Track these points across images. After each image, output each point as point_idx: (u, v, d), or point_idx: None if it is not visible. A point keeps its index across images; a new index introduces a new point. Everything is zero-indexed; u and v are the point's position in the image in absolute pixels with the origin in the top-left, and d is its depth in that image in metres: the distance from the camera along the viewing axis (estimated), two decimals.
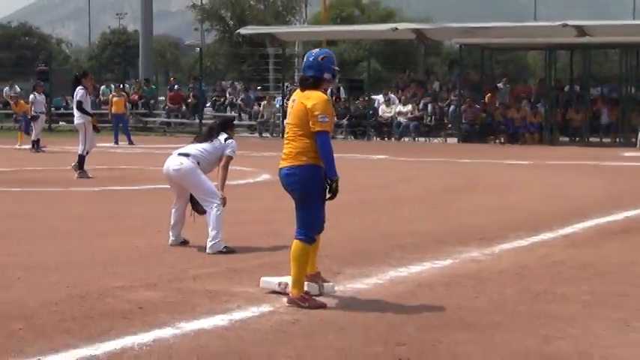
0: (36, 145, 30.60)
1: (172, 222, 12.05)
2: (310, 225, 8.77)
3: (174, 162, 11.76)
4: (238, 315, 8.37)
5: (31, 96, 32.58)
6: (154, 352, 7.19)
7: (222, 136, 12.07)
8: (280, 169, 8.86)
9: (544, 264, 11.04)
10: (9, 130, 42.90)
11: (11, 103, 40.32)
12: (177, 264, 10.78)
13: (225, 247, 11.45)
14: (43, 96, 33.45)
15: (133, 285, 9.55)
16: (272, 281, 9.30)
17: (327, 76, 8.87)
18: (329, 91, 9.08)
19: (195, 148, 11.94)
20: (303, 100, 8.72)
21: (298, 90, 8.98)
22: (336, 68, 9.09)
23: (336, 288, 9.30)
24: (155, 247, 11.87)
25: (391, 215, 15.27)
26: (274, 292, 9.11)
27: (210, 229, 11.49)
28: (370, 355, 7.17)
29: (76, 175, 20.94)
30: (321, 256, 9.37)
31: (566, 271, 10.57)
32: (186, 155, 11.76)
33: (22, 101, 35.68)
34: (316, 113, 8.59)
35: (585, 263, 11.06)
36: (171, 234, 12.05)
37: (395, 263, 10.85)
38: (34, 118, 31.46)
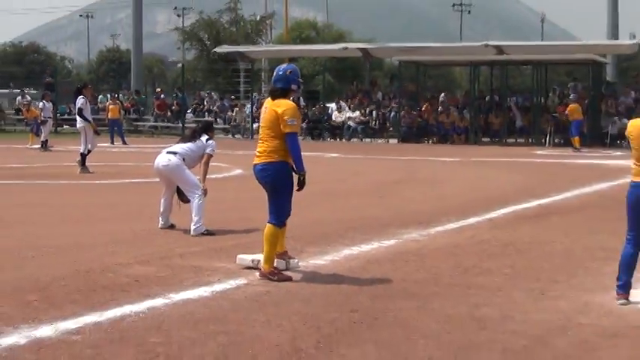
0: (44, 145, 30.41)
1: (161, 209, 12.01)
2: (280, 211, 8.77)
3: (164, 159, 11.73)
4: (219, 287, 8.38)
5: (41, 103, 32.49)
6: (149, 318, 7.18)
7: (204, 137, 12.06)
8: (255, 165, 8.84)
9: (472, 243, 11.09)
10: (21, 132, 42.50)
11: (23, 109, 40.25)
12: (166, 244, 10.75)
13: (206, 230, 11.43)
14: (51, 104, 33.32)
15: (130, 262, 9.52)
16: (246, 258, 9.30)
17: (293, 87, 8.89)
18: (290, 99, 9.05)
19: (181, 147, 11.92)
20: (274, 107, 8.72)
21: (269, 98, 8.97)
22: (300, 80, 9.11)
23: (300, 264, 9.31)
24: (147, 230, 11.82)
25: (344, 204, 15.29)
26: (248, 267, 9.13)
27: (193, 215, 11.47)
28: (329, 320, 7.17)
29: (79, 170, 20.81)
30: (288, 237, 9.33)
31: (490, 249, 10.62)
32: (174, 153, 11.74)
33: (32, 108, 35.52)
34: (286, 118, 8.59)
35: (506, 242, 11.12)
36: (160, 219, 12.01)
37: (348, 243, 10.88)
38: (43, 123, 31.36)
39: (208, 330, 6.81)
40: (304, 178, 8.72)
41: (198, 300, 7.83)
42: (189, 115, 45.10)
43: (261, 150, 8.80)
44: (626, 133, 7.86)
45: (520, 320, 7.20)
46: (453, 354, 6.26)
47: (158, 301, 7.70)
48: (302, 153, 8.78)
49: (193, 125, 40.41)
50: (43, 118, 31.58)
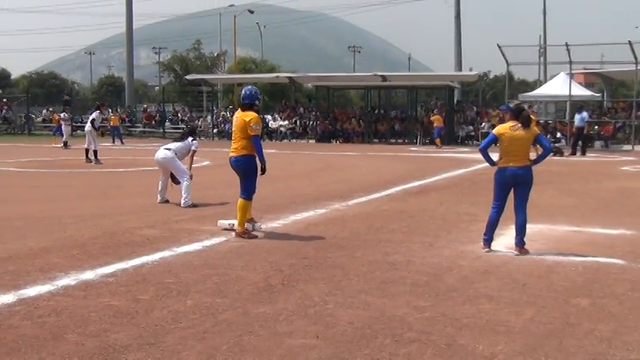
0: (65, 144, 29.59)
1: (159, 188, 11.81)
2: (249, 190, 8.72)
3: (162, 153, 11.57)
4: (207, 243, 8.29)
5: (62, 114, 31.65)
6: (161, 265, 7.08)
7: (190, 138, 11.93)
8: (231, 157, 8.78)
9: (378, 211, 11.14)
10: (46, 135, 41.31)
11: (50, 116, 39.62)
12: (164, 213, 10.57)
13: (192, 203, 11.28)
14: (70, 115, 32.41)
15: (140, 226, 9.36)
16: (224, 222, 9.22)
17: (256, 102, 8.85)
18: (254, 110, 8.96)
19: (174, 145, 11.81)
20: (243, 117, 8.66)
21: (240, 110, 8.90)
22: (260, 98, 9.06)
23: (262, 226, 9.26)
24: (149, 204, 11.60)
25: (285, 185, 15.17)
26: (226, 229, 9.03)
27: (182, 193, 11.32)
28: (288, 264, 7.16)
29: (93, 162, 20.42)
30: (252, 207, 9.26)
31: (391, 215, 10.67)
32: (169, 149, 11.60)
33: (55, 115, 34.79)
34: (252, 124, 8.55)
35: (401, 210, 11.20)
36: (158, 196, 11.81)
37: (292, 211, 10.83)
38: (65, 127, 30.55)
39: (205, 272, 6.74)
40: (265, 167, 8.71)
41: (194, 252, 7.74)
42: (167, 124, 44.39)
43: (235, 147, 8.73)
44: (495, 133, 7.91)
45: (419, 263, 7.28)
46: (377, 286, 6.30)
47: (166, 253, 7.59)
48: (263, 149, 8.78)
49: (173, 130, 40.18)
50: (63, 124, 30.75)
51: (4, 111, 47.17)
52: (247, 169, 8.68)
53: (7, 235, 8.60)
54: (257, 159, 8.69)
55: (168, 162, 11.50)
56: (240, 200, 8.69)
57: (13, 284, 6.16)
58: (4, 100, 49.38)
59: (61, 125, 31.58)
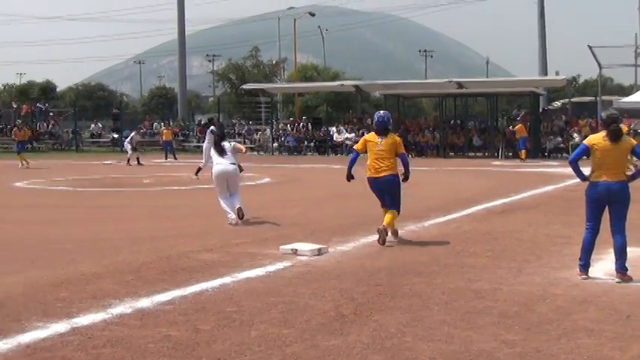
0: (129, 161, 30.23)
1: (229, 207, 11.90)
2: (399, 205, 10.26)
3: (231, 167, 12.12)
4: (271, 268, 8.34)
5: (134, 134, 32.74)
6: (222, 292, 7.16)
7: (227, 142, 12.48)
8: (379, 177, 10.22)
9: (458, 233, 11.05)
10: (95, 151, 42.34)
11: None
12: (222, 236, 10.69)
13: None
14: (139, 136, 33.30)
15: (198, 250, 9.49)
16: (287, 248, 9.28)
17: (389, 126, 10.48)
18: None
19: (231, 157, 12.20)
20: (392, 138, 10.30)
21: (374, 133, 10.36)
22: (391, 121, 10.62)
23: (330, 249, 9.29)
24: (206, 225, 11.81)
25: (353, 203, 14.98)
26: (288, 253, 9.09)
27: (239, 200, 11.92)
28: (360, 292, 7.14)
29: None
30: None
31: (473, 237, 10.57)
32: (234, 163, 11.98)
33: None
34: (400, 143, 10.37)
35: (484, 232, 11.07)
36: (231, 213, 11.83)
37: (363, 234, 10.82)
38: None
39: (269, 300, 6.78)
40: (405, 177, 10.52)
41: (256, 278, 7.80)
42: None
43: (386, 166, 10.19)
44: (587, 144, 7.78)
45: (507, 291, 7.17)
46: (461, 317, 6.22)
47: (226, 279, 7.68)
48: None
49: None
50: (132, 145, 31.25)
51: (50, 126, 48.64)
52: (398, 188, 10.30)
53: (58, 260, 8.85)
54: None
55: (238, 176, 12.07)
56: (394, 213, 10.13)
57: (66, 312, 6.33)
58: (50, 114, 50.90)
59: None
